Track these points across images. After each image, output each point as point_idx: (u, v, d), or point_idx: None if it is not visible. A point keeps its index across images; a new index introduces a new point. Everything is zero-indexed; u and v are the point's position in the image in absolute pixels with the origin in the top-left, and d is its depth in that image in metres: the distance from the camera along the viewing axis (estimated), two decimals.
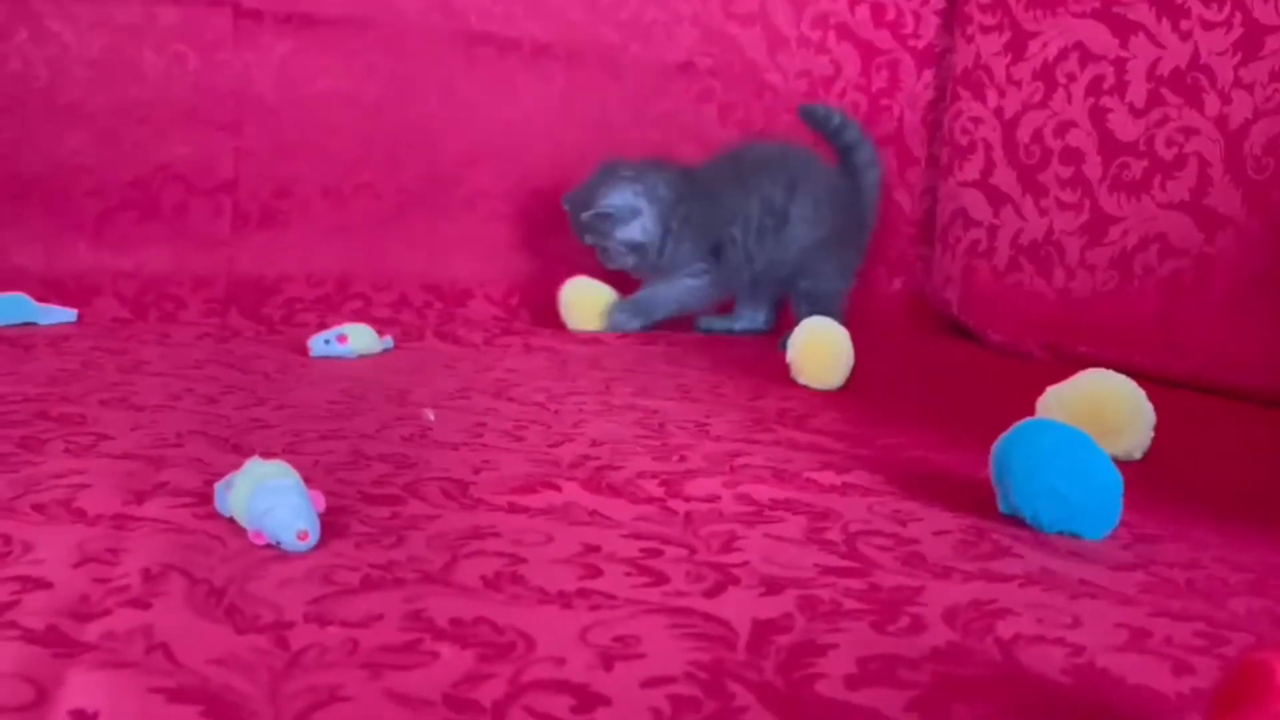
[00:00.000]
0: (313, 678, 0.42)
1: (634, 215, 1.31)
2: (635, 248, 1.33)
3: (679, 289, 1.35)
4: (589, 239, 1.34)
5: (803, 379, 1.08)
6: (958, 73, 1.56)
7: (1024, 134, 1.48)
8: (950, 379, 1.22)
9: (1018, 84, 1.49)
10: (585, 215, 1.30)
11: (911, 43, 1.61)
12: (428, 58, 1.44)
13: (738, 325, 1.41)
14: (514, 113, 1.48)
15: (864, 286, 1.60)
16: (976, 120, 1.54)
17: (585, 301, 1.36)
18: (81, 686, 0.40)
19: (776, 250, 1.33)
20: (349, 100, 1.42)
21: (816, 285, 1.35)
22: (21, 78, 1.31)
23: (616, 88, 1.51)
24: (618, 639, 0.47)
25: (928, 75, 1.62)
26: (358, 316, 1.31)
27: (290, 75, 1.40)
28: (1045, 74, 1.46)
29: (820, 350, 1.07)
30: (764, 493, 0.70)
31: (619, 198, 1.31)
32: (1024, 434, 0.66)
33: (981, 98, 1.53)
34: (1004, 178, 1.51)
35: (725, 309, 1.42)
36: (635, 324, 1.33)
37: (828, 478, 0.74)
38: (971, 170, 1.54)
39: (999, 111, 1.52)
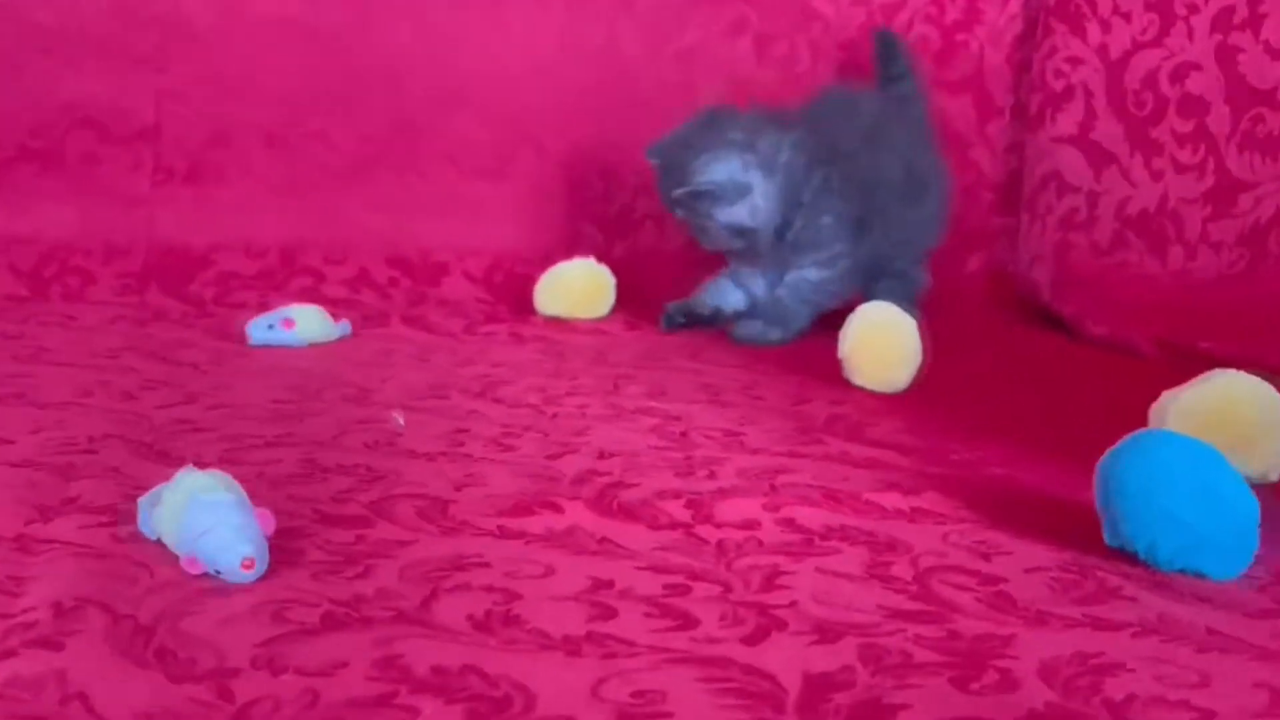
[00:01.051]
0: None
1: (741, 194, 1.24)
2: (741, 232, 1.26)
3: (813, 285, 1.29)
4: (680, 214, 1.27)
5: (859, 379, 1.08)
6: (1051, 2, 1.56)
7: (1133, 78, 1.48)
8: (1041, 379, 1.22)
9: (1126, 16, 1.49)
10: (679, 193, 1.23)
11: None
12: None
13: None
14: (502, 47, 1.48)
15: (933, 264, 1.61)
16: (1074, 61, 1.53)
17: (575, 292, 1.34)
18: None
19: (910, 227, 1.34)
20: (299, 29, 1.42)
21: (908, 267, 1.36)
22: None
23: (627, 17, 1.51)
24: (638, 694, 0.47)
25: (1014, 4, 1.62)
26: (307, 296, 1.31)
27: None
28: (1161, 3, 1.45)
29: (881, 343, 1.07)
30: (813, 518, 0.70)
31: (722, 170, 1.23)
32: (1137, 449, 0.66)
33: (1081, 32, 1.53)
34: (1108, 132, 1.50)
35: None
36: (778, 338, 1.28)
37: (892, 500, 0.74)
38: (1068, 123, 1.53)
39: (1102, 50, 1.51)
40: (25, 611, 0.51)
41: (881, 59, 1.44)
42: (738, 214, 1.25)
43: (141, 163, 1.40)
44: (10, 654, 0.47)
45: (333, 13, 1.44)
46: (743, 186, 1.23)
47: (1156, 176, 1.45)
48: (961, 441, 0.91)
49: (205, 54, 1.40)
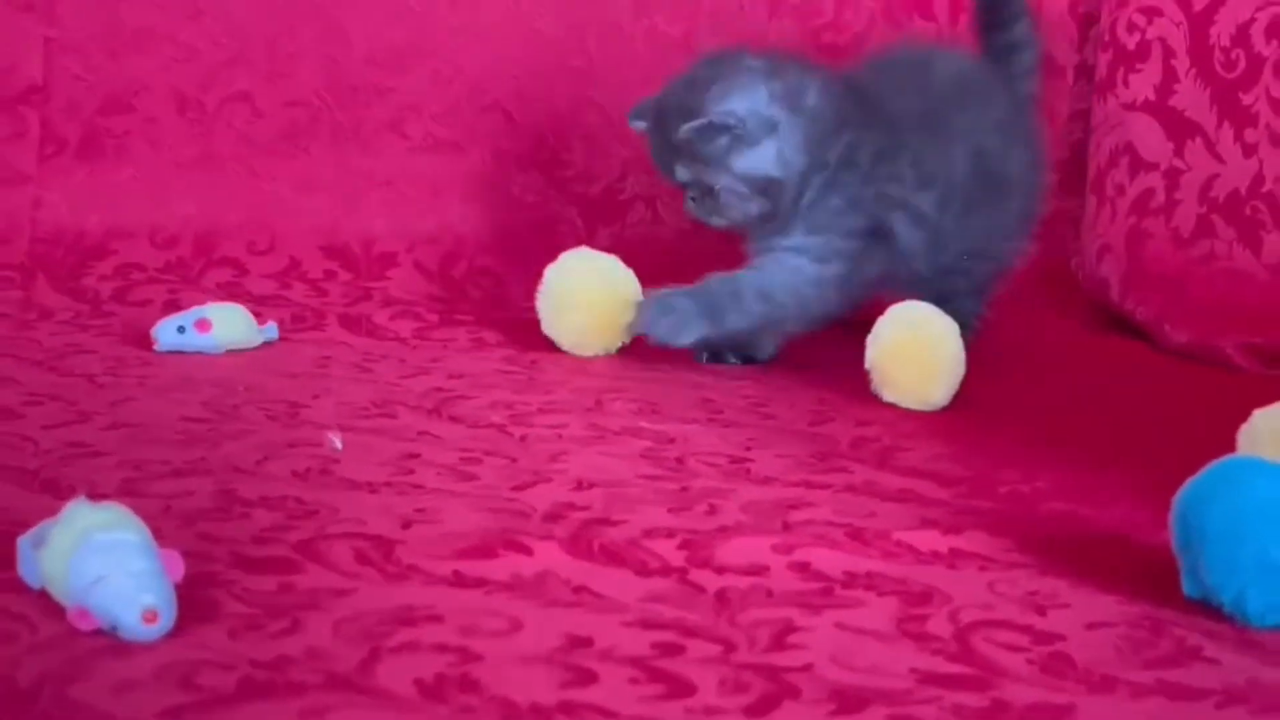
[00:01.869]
0: None
1: (767, 130, 1.15)
2: (765, 187, 1.16)
3: (790, 276, 1.17)
4: (683, 174, 1.18)
5: (889, 394, 1.08)
6: None
7: (1221, 33, 1.49)
8: (1109, 396, 1.23)
9: None
10: (687, 129, 1.13)
11: None
12: None
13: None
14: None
15: None
16: (1151, 11, 1.54)
17: (594, 300, 1.22)
18: None
19: (981, 233, 1.25)
20: None
21: (960, 293, 1.25)
22: None
23: None
24: None
25: None
26: (227, 293, 1.32)
27: None
28: None
29: (916, 352, 1.08)
30: (833, 562, 0.70)
31: (743, 100, 1.15)
32: (1223, 480, 0.67)
33: None
34: (1191, 98, 1.51)
35: None
36: (694, 332, 1.15)
37: (928, 541, 0.75)
38: (1143, 86, 1.54)
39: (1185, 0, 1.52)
40: None
41: (993, 22, 1.32)
42: (763, 160, 1.15)
43: (26, 131, 1.40)
44: None
45: None
46: (769, 122, 1.15)
47: (1249, 151, 1.46)
48: (1012, 470, 0.92)
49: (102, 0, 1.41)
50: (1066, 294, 1.59)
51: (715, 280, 1.16)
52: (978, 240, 1.25)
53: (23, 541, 0.61)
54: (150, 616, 0.55)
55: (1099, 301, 1.54)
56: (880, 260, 1.19)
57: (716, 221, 1.19)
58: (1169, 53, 1.52)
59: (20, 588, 0.60)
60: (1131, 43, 1.55)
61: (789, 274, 1.16)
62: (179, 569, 0.59)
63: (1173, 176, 1.52)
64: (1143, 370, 1.35)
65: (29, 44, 1.40)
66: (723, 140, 1.14)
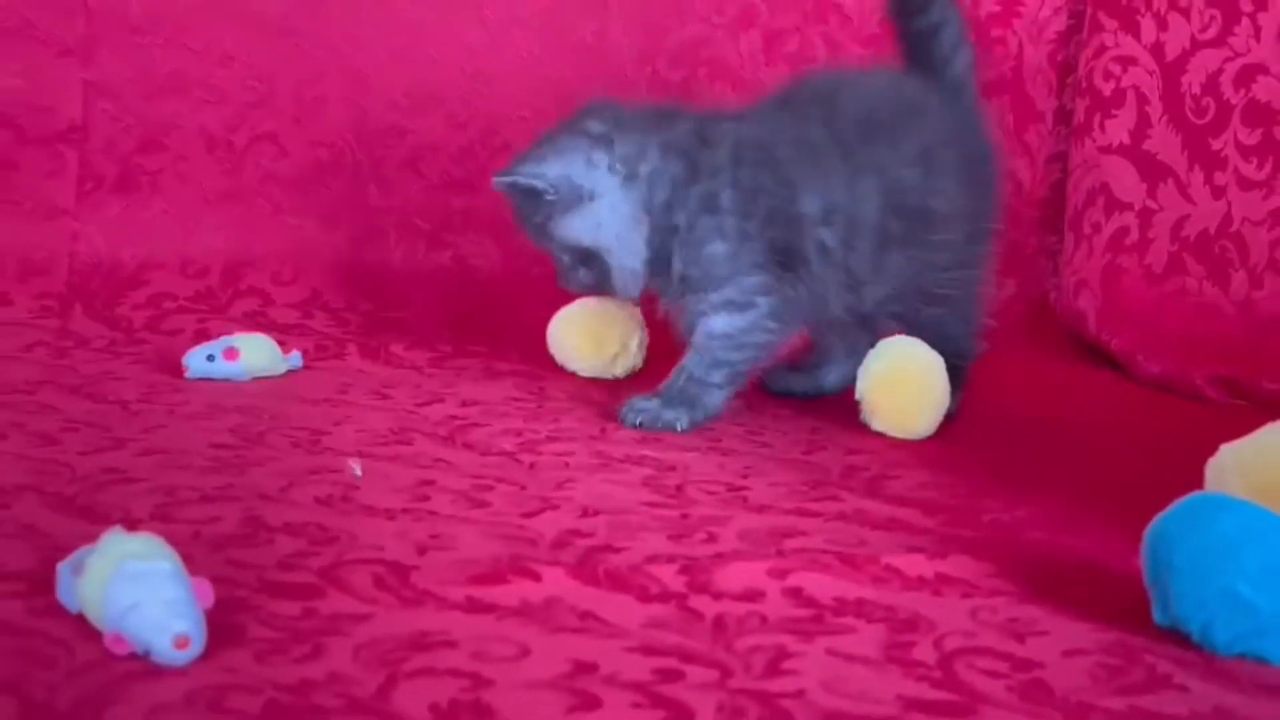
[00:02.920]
0: None
1: (580, 198, 1.08)
2: (584, 257, 1.10)
3: (725, 337, 1.08)
4: (531, 236, 1.12)
5: (878, 424, 1.09)
6: None
7: (1193, 81, 1.49)
8: (1086, 425, 1.23)
9: (1184, 11, 1.50)
10: (495, 183, 1.08)
11: None
12: None
13: (828, 381, 1.23)
14: (477, 39, 1.50)
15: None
16: (1125, 60, 1.55)
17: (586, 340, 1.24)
18: None
19: (909, 268, 1.12)
20: (246, 17, 1.44)
21: (956, 305, 1.16)
22: None
23: (619, 8, 1.53)
24: None
25: None
26: (253, 323, 1.32)
27: None
28: None
29: (904, 384, 1.08)
30: (825, 587, 0.71)
31: (558, 167, 1.08)
32: (1191, 514, 0.67)
33: (1133, 29, 1.55)
34: (1164, 142, 1.52)
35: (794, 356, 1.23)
36: (682, 422, 1.07)
37: (915, 565, 0.75)
38: (1118, 131, 1.55)
39: (1157, 49, 1.53)
40: None
41: (909, 24, 1.19)
42: (576, 228, 1.08)
43: (65, 168, 1.40)
44: None
45: None
46: (581, 190, 1.08)
47: (1218, 193, 1.46)
48: (995, 498, 0.92)
49: (138, 44, 1.41)
50: (1045, 326, 1.60)
51: (674, 376, 1.09)
52: (905, 278, 1.12)
53: (62, 567, 0.61)
54: (182, 642, 0.56)
55: (1076, 334, 1.55)
56: (803, 285, 1.09)
57: (567, 287, 1.14)
58: (1143, 100, 1.53)
59: (60, 612, 0.60)
60: (1107, 90, 1.56)
61: (724, 337, 1.08)
62: (209, 596, 0.59)
63: (1146, 216, 1.52)
64: (1117, 400, 1.35)
65: (69, 86, 1.40)
66: (541, 205, 1.08)
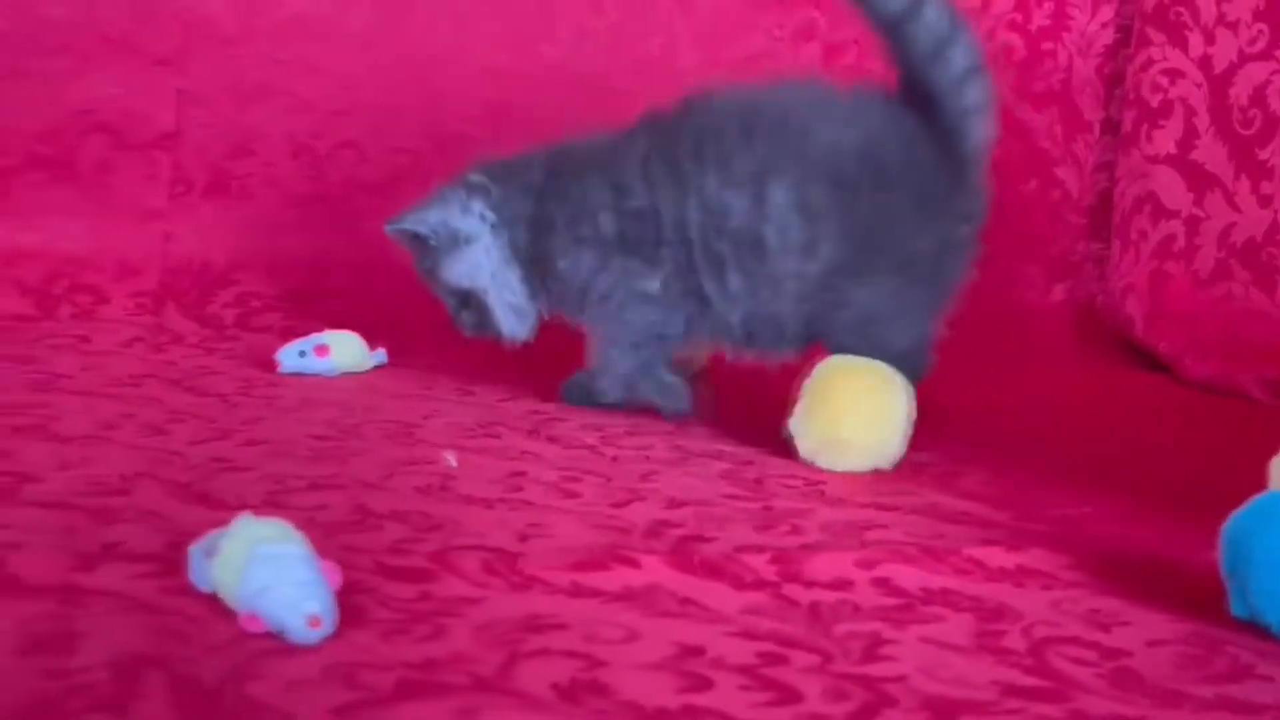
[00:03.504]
0: None
1: (456, 242, 1.10)
2: (465, 298, 1.12)
3: (610, 348, 1.09)
4: (426, 281, 1.15)
5: (822, 457, 0.95)
6: (1148, 8, 1.57)
7: (1239, 93, 1.49)
8: (1139, 424, 1.23)
9: (1232, 25, 1.50)
10: (389, 229, 1.12)
11: None
12: None
13: None
14: (549, 51, 1.50)
15: (1013, 294, 1.61)
16: (1173, 73, 1.54)
17: None
18: None
19: (751, 292, 1.04)
20: (329, 30, 1.45)
21: (870, 322, 1.03)
22: None
23: (685, 20, 1.53)
24: None
25: (1106, 11, 1.63)
26: (339, 320, 1.31)
27: None
28: (1271, 11, 1.46)
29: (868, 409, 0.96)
30: (911, 578, 0.71)
31: (438, 213, 1.11)
32: (1269, 510, 0.66)
33: (1180, 43, 1.54)
34: (1210, 152, 1.51)
35: None
36: (609, 395, 1.09)
37: (995, 558, 0.75)
38: (1165, 141, 1.54)
39: (1205, 62, 1.52)
40: (81, 671, 0.52)
41: (894, 35, 1.02)
42: (453, 271, 1.11)
43: (158, 172, 1.42)
44: (72, 717, 0.48)
45: (366, 11, 1.46)
46: (456, 234, 1.10)
47: (1264, 202, 1.46)
48: (1059, 494, 0.92)
49: (229, 55, 1.43)
50: (1093, 329, 1.59)
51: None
52: (757, 302, 1.04)
53: (194, 550, 0.62)
54: (314, 622, 0.56)
55: (1123, 337, 1.54)
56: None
57: (466, 332, 1.15)
58: (1190, 111, 1.53)
59: (192, 592, 0.61)
60: (1155, 101, 1.55)
61: (608, 340, 1.09)
62: (337, 578, 0.60)
63: (1193, 224, 1.52)
64: (1167, 401, 1.35)
65: (163, 95, 1.42)
66: (428, 250, 1.11)
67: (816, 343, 1.05)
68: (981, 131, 1.04)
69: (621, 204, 1.06)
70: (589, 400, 1.10)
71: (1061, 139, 1.64)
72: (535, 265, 1.10)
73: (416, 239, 1.11)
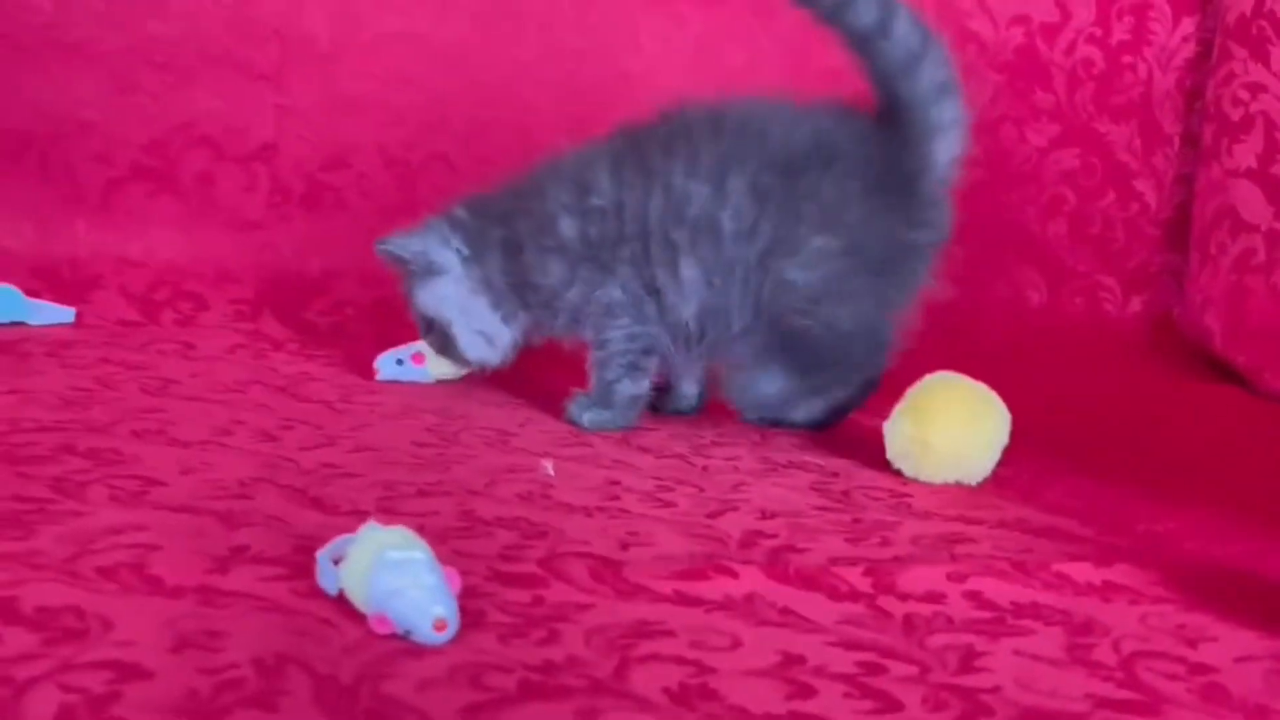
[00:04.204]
0: None
1: (430, 272, 1.14)
2: (430, 324, 1.16)
3: (598, 352, 1.12)
4: (407, 300, 1.19)
5: (907, 461, 0.99)
6: (1229, 22, 1.57)
7: None
8: (1217, 439, 1.23)
9: None
10: (378, 248, 1.16)
11: None
12: None
13: (670, 405, 1.18)
14: (633, 65, 1.53)
15: (1091, 306, 1.62)
16: (1255, 87, 1.54)
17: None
18: None
19: (704, 288, 1.07)
20: (422, 45, 1.49)
21: (815, 301, 1.05)
22: (21, 9, 1.40)
23: (768, 34, 1.55)
24: None
25: (1188, 25, 1.63)
26: None
27: (349, 11, 1.47)
28: None
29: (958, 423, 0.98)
30: (1002, 592, 0.73)
31: (419, 242, 1.15)
32: None
33: (1263, 57, 1.54)
34: None
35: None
36: (606, 418, 1.10)
37: (1083, 573, 0.77)
38: (1245, 155, 1.54)
39: None
40: (230, 668, 0.56)
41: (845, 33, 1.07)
42: (422, 297, 1.16)
43: (257, 183, 1.46)
44: (225, 712, 0.52)
45: (457, 28, 1.50)
46: (431, 263, 1.14)
47: None
48: (1143, 508, 0.93)
49: (325, 71, 1.47)
50: (1170, 341, 1.60)
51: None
52: (705, 295, 1.07)
53: (322, 555, 0.66)
54: (440, 625, 0.60)
55: (1201, 349, 1.54)
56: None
57: (434, 349, 1.19)
58: (1271, 125, 1.52)
59: (320, 594, 0.65)
60: (1235, 115, 1.55)
61: (597, 345, 1.11)
62: (458, 583, 0.63)
63: (1272, 238, 1.51)
64: (1247, 415, 1.35)
65: (262, 109, 1.46)
66: (407, 273, 1.16)
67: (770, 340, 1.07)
68: (950, 148, 1.07)
69: (582, 203, 1.10)
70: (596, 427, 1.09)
71: (1141, 152, 1.64)
72: (515, 288, 1.14)
73: (400, 261, 1.16)
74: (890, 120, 1.07)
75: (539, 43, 1.52)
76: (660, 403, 1.16)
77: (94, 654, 0.56)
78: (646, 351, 1.10)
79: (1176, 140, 1.65)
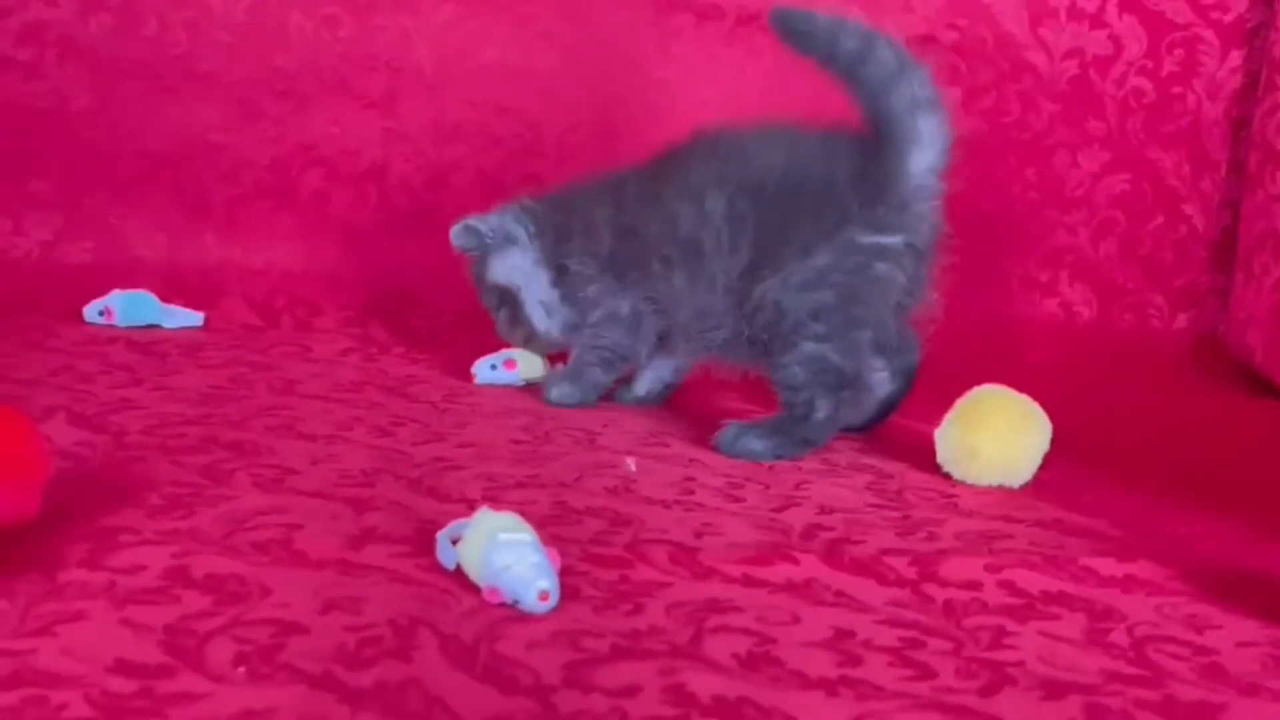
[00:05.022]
0: None
1: (504, 243, 1.28)
2: (502, 295, 1.29)
3: (594, 341, 1.24)
4: (476, 286, 1.33)
5: (955, 466, 1.05)
6: (1276, 55, 1.62)
7: None
8: (1256, 452, 1.28)
9: None
10: (455, 229, 1.29)
11: (1215, 15, 1.67)
12: (613, 27, 1.59)
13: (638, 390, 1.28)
14: (712, 93, 1.61)
15: (1139, 323, 1.68)
16: None
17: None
18: None
19: (692, 296, 1.15)
20: (518, 75, 1.58)
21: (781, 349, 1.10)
22: (158, 43, 1.52)
23: None
24: None
25: (1235, 57, 1.68)
26: None
27: (452, 44, 1.57)
28: None
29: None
30: (1033, 581, 0.80)
31: (494, 219, 1.28)
32: None
33: None
34: None
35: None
36: (568, 392, 1.23)
37: (1107, 567, 0.83)
38: None
39: None
40: (369, 627, 0.65)
41: (829, 62, 1.11)
42: (498, 268, 1.29)
43: (366, 201, 1.57)
44: (371, 663, 0.61)
45: (551, 60, 1.59)
46: (507, 235, 1.28)
47: None
48: (1174, 514, 0.98)
49: (430, 99, 1.57)
50: (1213, 357, 1.64)
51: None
52: (691, 306, 1.16)
53: (441, 536, 0.75)
54: (544, 596, 0.69)
55: (1244, 366, 1.59)
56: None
57: (505, 335, 1.33)
58: None
59: (439, 569, 0.74)
60: None
61: (595, 336, 1.23)
62: (558, 562, 0.72)
63: None
64: None
65: (372, 133, 1.57)
66: (481, 253, 1.29)
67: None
68: (927, 158, 1.09)
69: (618, 219, 1.21)
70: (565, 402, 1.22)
71: (1189, 178, 1.69)
72: (559, 270, 1.26)
73: (475, 236, 1.28)
74: (875, 135, 1.09)
75: (625, 74, 1.60)
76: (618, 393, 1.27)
77: (258, 613, 0.66)
78: (624, 359, 1.24)
79: (1223, 167, 1.70)
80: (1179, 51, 1.68)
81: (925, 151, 1.09)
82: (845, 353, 1.09)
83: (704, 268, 1.14)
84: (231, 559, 0.73)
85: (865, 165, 1.10)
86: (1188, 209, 1.70)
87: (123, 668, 0.59)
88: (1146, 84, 1.68)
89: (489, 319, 1.52)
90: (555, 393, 1.23)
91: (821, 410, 1.09)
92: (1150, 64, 1.68)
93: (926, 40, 1.64)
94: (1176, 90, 1.68)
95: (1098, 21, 1.66)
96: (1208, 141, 1.69)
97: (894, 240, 1.10)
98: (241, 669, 0.59)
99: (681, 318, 1.18)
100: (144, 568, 0.71)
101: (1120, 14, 1.66)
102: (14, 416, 0.73)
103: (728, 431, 1.09)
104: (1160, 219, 1.69)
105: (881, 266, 1.09)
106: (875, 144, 1.09)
